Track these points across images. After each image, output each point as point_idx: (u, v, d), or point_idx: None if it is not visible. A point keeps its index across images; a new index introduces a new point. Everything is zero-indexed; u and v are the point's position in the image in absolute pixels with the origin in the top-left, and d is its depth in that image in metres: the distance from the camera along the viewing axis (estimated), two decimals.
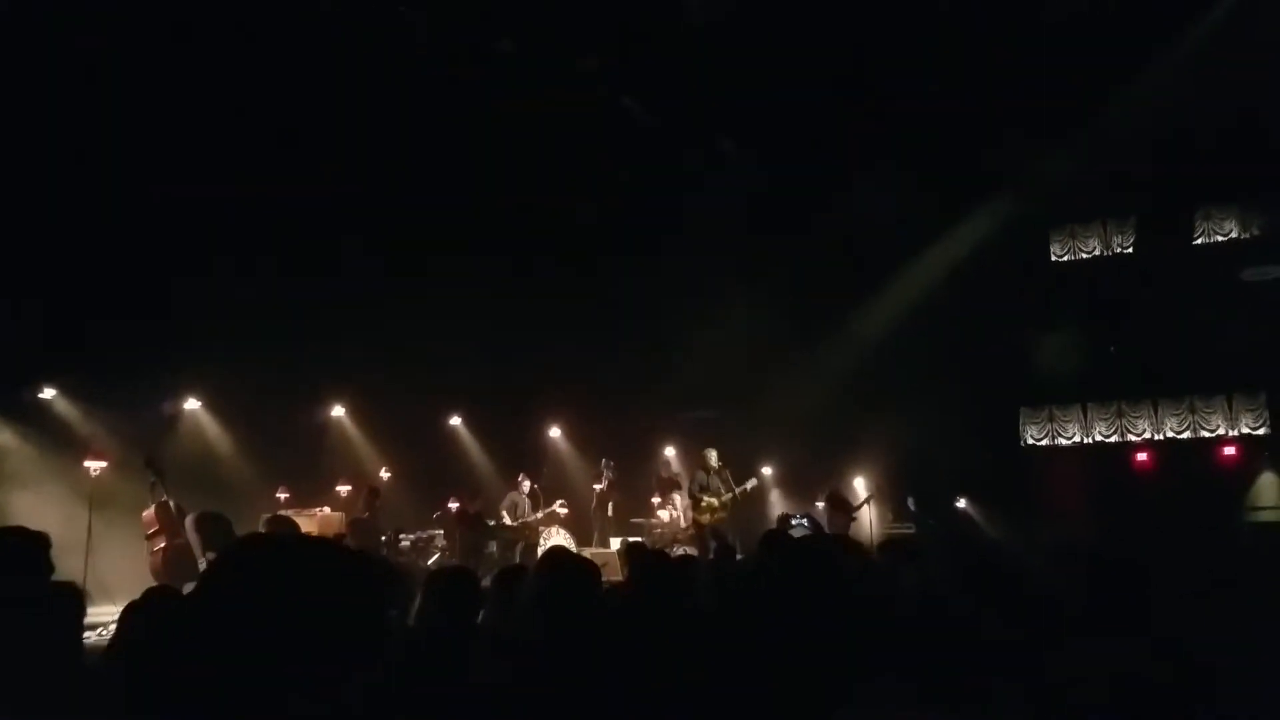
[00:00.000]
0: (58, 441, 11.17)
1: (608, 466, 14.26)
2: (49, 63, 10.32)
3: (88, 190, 11.13)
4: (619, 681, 2.64)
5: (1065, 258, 20.30)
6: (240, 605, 1.84)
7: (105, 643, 2.94)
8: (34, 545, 2.66)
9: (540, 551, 9.65)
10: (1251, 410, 18.33)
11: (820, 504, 15.04)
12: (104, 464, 9.69)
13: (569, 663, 2.69)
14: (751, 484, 13.22)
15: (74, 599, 2.65)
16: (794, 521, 12.54)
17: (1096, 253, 20.03)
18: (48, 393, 11.72)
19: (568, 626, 2.79)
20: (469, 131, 13.63)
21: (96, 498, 9.53)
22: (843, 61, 14.02)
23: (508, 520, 13.11)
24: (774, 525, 13.23)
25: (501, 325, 15.24)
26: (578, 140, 14.33)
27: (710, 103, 14.29)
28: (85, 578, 8.59)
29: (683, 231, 15.66)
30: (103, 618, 5.14)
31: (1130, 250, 19.70)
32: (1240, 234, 18.87)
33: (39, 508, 9.88)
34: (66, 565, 8.32)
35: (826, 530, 13.78)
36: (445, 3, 12.48)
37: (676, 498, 13.77)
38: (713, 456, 13.08)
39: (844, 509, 13.60)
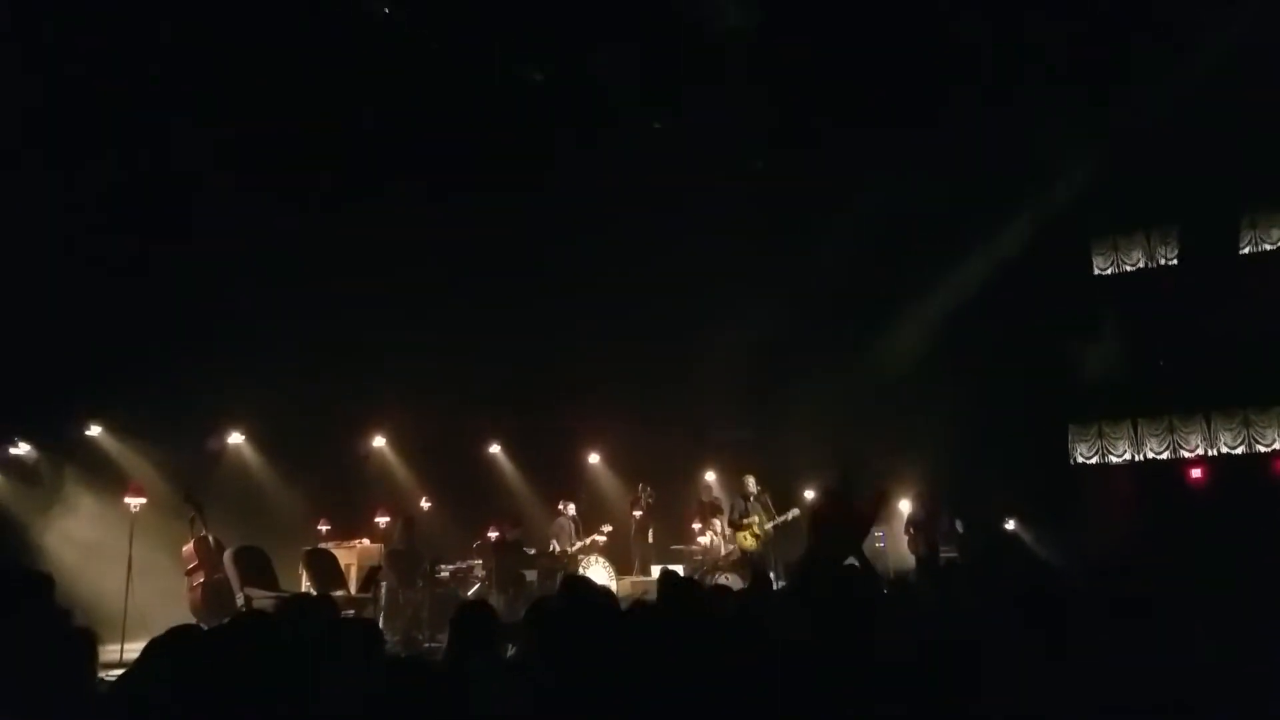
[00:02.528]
0: (102, 477, 11.32)
1: (645, 492, 14.16)
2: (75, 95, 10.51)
3: (132, 227, 11.36)
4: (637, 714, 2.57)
5: (1108, 270, 19.92)
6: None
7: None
8: (35, 587, 2.64)
9: None
10: None
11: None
12: (143, 500, 9.77)
13: (587, 697, 2.62)
14: (793, 514, 13.07)
15: (85, 642, 2.63)
16: None
17: (1140, 265, 19.64)
18: (94, 429, 11.89)
19: (584, 660, 2.73)
20: (519, 163, 13.76)
21: (138, 532, 9.61)
22: (882, 66, 13.93)
23: (556, 547, 13.03)
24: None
25: (537, 350, 15.28)
26: (610, 163, 14.38)
27: (745, 109, 14.19)
28: (125, 612, 8.67)
29: (715, 250, 15.62)
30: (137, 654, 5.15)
31: (1175, 261, 19.28)
32: None
33: (82, 542, 10.01)
34: (106, 601, 8.44)
35: (882, 548, 13.62)
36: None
37: (717, 523, 13.62)
38: (750, 482, 12.97)
39: (923, 530, 13.52)
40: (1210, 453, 18.56)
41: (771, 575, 8.81)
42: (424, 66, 12.79)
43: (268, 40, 11.47)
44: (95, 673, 2.74)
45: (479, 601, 4.33)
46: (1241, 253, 18.65)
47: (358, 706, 2.68)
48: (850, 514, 8.36)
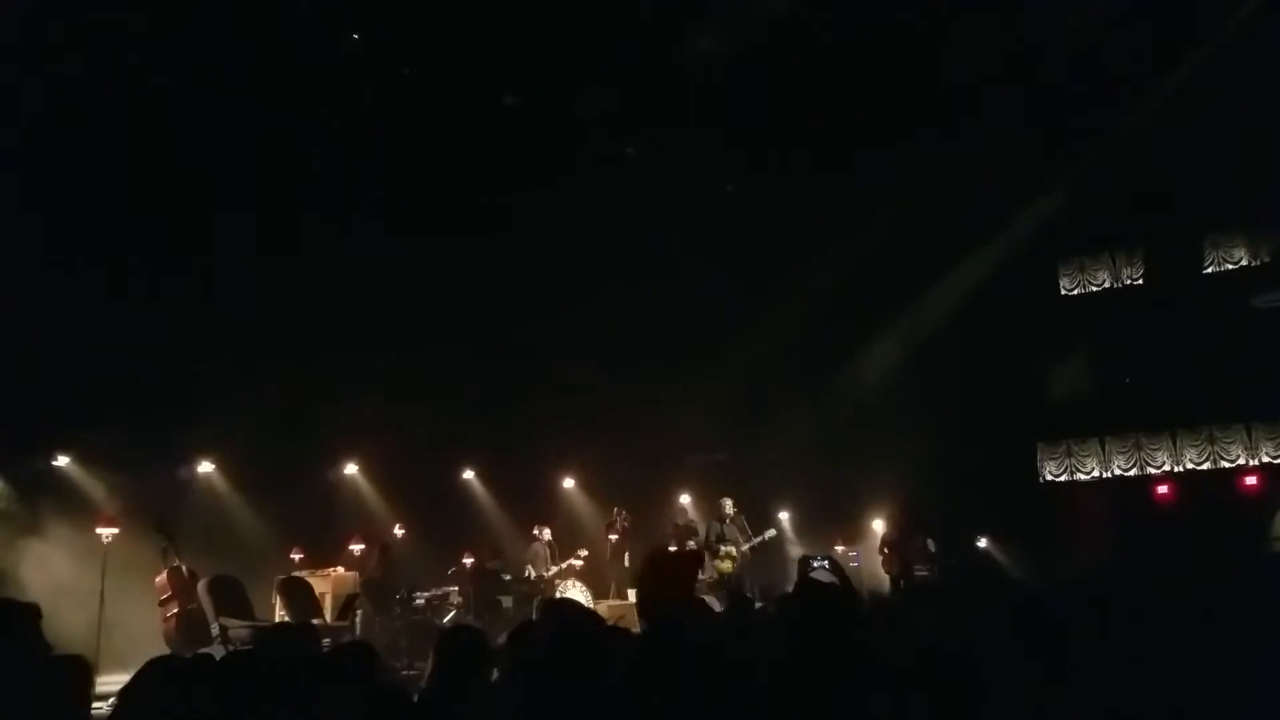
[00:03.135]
0: (71, 508, 11.17)
1: (620, 516, 14.15)
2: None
3: (96, 254, 11.28)
4: None
5: (1075, 291, 20.25)
6: None
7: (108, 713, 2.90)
8: (22, 616, 2.62)
9: None
10: (1272, 439, 18.13)
11: (840, 547, 14.94)
12: (115, 530, 9.66)
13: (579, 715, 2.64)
14: (770, 534, 13.12)
15: (78, 672, 2.62)
16: (815, 564, 12.41)
17: (1106, 285, 19.98)
18: (61, 460, 11.74)
19: (578, 681, 2.75)
20: (494, 188, 13.82)
21: (110, 564, 9.48)
22: (850, 95, 14.13)
23: (532, 572, 12.99)
24: (792, 568, 13.13)
25: (509, 376, 15.29)
26: (586, 192, 14.46)
27: (713, 129, 14.33)
28: (99, 644, 8.54)
29: (691, 275, 15.72)
30: (114, 686, 5.08)
31: (1140, 281, 19.63)
32: (1251, 261, 18.79)
33: (52, 573, 9.85)
34: (79, 633, 8.30)
35: (857, 568, 13.70)
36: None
37: (692, 545, 13.63)
38: (728, 505, 12.99)
39: (896, 550, 13.59)
40: (1177, 469, 18.85)
41: (750, 596, 8.81)
42: (392, 101, 12.89)
43: (249, 73, 11.51)
44: (90, 700, 2.73)
45: (467, 627, 4.31)
46: (1205, 272, 19.03)
47: None
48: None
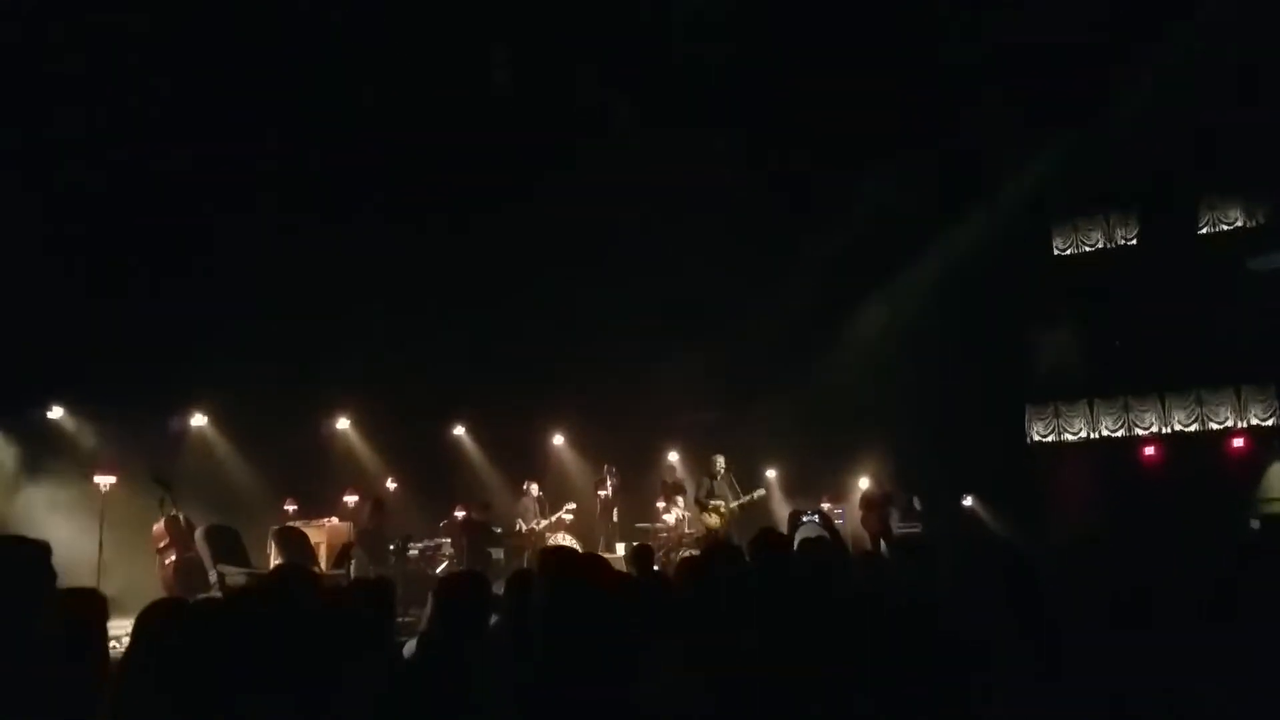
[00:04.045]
0: (66, 459, 11.22)
1: (610, 472, 14.26)
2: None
3: (91, 213, 11.26)
4: (638, 679, 2.64)
5: (1068, 251, 20.21)
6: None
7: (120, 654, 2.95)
8: (35, 552, 2.67)
9: None
10: (1261, 401, 18.24)
11: (826, 504, 15.09)
12: (113, 479, 9.71)
13: (585, 662, 2.68)
14: (759, 494, 13.21)
15: (96, 606, 2.68)
16: (804, 519, 12.52)
17: (1099, 245, 19.95)
18: (56, 411, 11.76)
19: (582, 625, 2.79)
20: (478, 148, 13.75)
21: (107, 512, 9.55)
22: (840, 50, 14.04)
23: (522, 526, 13.12)
24: (782, 526, 13.24)
25: (501, 333, 15.31)
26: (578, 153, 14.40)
27: (707, 97, 14.27)
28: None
29: (680, 232, 15.71)
30: (115, 630, 5.15)
31: (1134, 242, 19.61)
32: (1246, 223, 18.78)
33: (50, 523, 9.92)
34: (78, 578, 8.36)
35: (842, 525, 13.86)
36: None
37: (680, 501, 13.76)
38: (719, 463, 13.06)
39: (878, 508, 13.74)
40: (1164, 431, 18.97)
41: (738, 546, 8.91)
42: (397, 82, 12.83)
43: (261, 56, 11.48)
44: (105, 633, 2.78)
45: (468, 571, 4.38)
46: (1199, 233, 19.01)
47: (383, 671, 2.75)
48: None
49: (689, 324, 16.15)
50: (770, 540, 3.95)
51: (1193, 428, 18.71)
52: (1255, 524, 13.35)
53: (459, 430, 16.23)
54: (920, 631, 3.10)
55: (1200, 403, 18.67)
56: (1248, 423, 18.30)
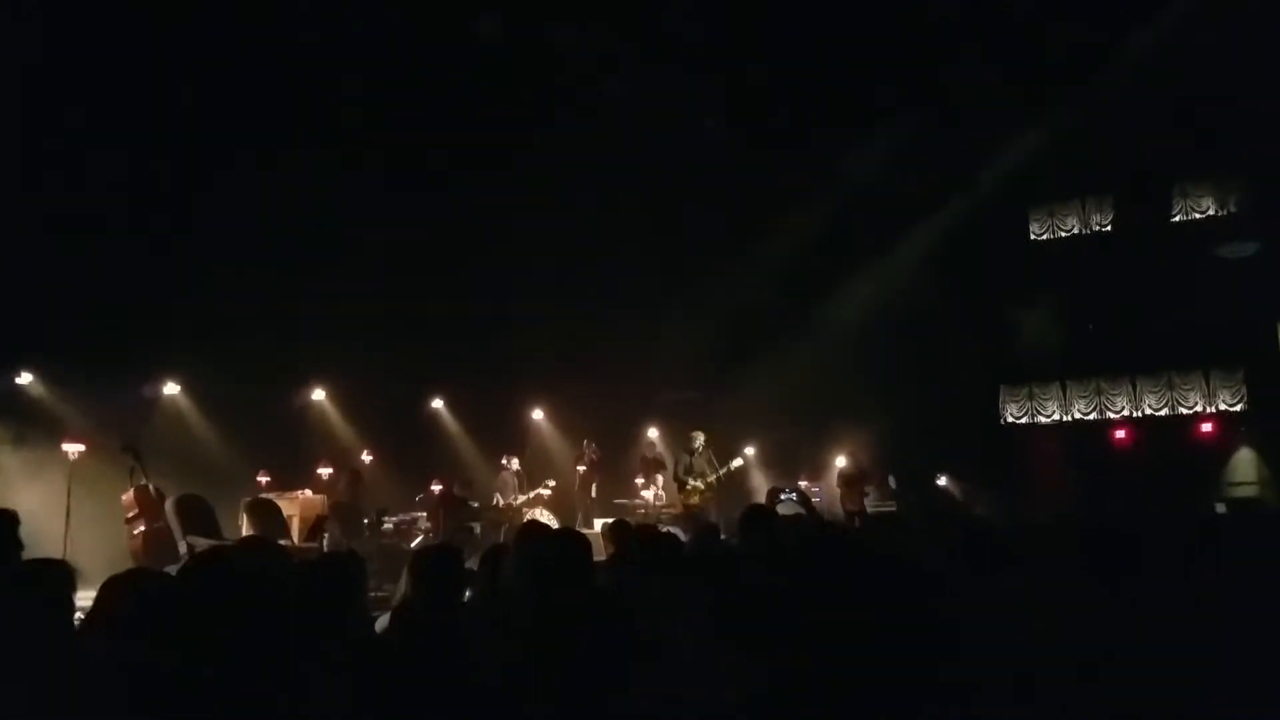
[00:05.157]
0: (35, 426, 11.04)
1: (589, 448, 14.24)
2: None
3: (67, 174, 11.05)
4: (611, 655, 2.62)
5: (1044, 236, 20.41)
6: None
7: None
8: (1, 522, 2.61)
9: None
10: (1229, 386, 18.51)
11: (803, 482, 15.16)
12: (82, 447, 9.57)
13: (560, 636, 2.67)
14: (736, 464, 13.23)
15: (63, 576, 2.62)
16: (783, 496, 12.55)
17: (1075, 231, 20.13)
18: (24, 377, 11.57)
19: (558, 599, 2.78)
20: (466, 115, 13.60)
21: (75, 481, 9.41)
22: (817, 35, 13.99)
23: (500, 500, 13.08)
24: (759, 498, 13.29)
25: (481, 306, 15.21)
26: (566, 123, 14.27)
27: (694, 77, 14.19)
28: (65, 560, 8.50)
29: (660, 211, 15.67)
30: (82, 601, 5.08)
31: (1109, 228, 19.80)
32: (1217, 211, 18.99)
33: (16, 492, 9.78)
34: (45, 548, 8.26)
35: (819, 503, 13.96)
36: None
37: (660, 478, 13.78)
38: (699, 439, 13.06)
39: (856, 485, 13.84)
40: (1135, 414, 19.21)
41: (715, 524, 8.91)
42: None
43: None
44: (73, 605, 2.73)
45: (443, 545, 4.34)
46: (1172, 220, 19.21)
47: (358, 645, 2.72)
48: None
49: (672, 302, 16.14)
50: (757, 513, 3.98)
51: (1163, 411, 18.96)
52: (1220, 508, 13.52)
53: (437, 403, 16.14)
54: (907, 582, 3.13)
55: (1171, 386, 18.93)
56: (1216, 407, 18.55)
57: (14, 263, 10.41)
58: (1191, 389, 18.81)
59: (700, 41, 13.95)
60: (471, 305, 15.18)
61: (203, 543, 8.76)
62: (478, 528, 12.41)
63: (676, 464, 13.21)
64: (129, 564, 8.55)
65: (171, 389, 13.01)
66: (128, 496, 9.51)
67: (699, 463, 12.87)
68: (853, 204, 16.89)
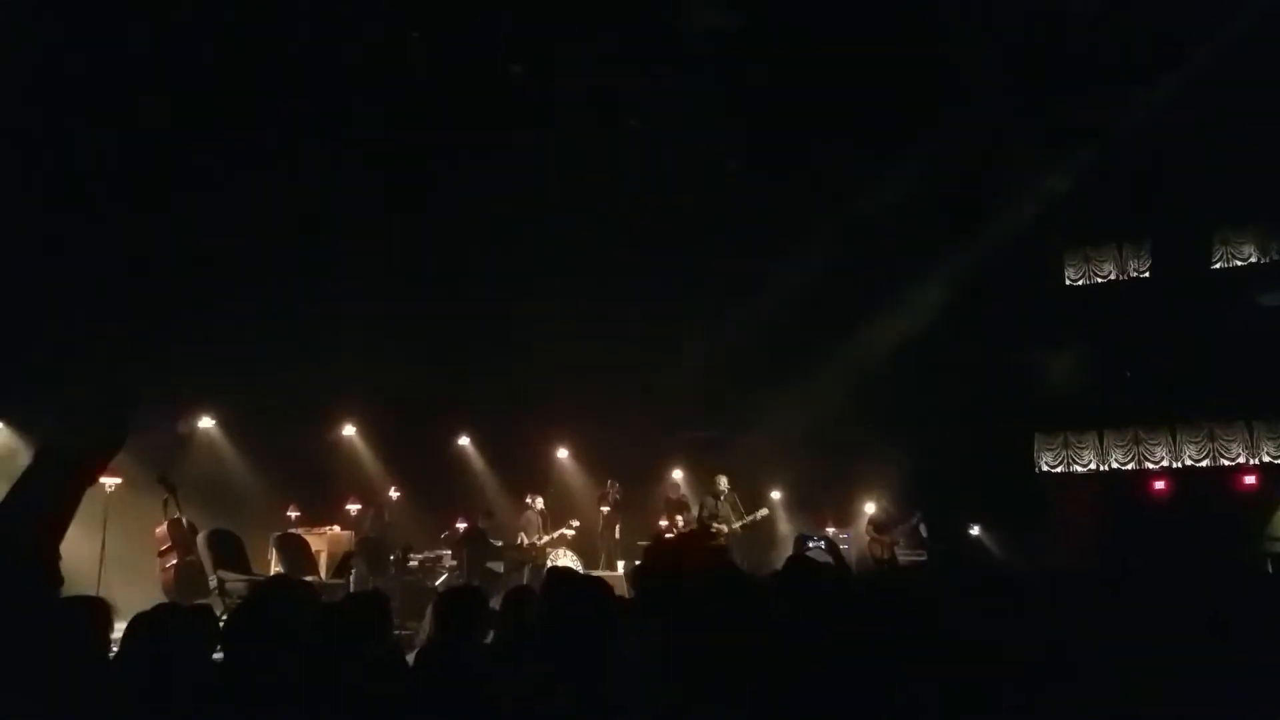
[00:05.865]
0: None
1: (613, 488, 14.22)
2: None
3: (103, 209, 11.25)
4: (634, 696, 2.61)
5: (1080, 281, 20.15)
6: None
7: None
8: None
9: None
10: (1273, 438, 18.08)
11: (831, 529, 15.02)
12: (118, 480, 9.68)
13: (582, 677, 2.66)
14: (762, 514, 13.17)
15: (98, 613, 2.65)
16: (810, 544, 12.45)
17: (1112, 276, 19.88)
18: None
19: (580, 643, 2.77)
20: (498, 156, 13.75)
21: (111, 514, 9.51)
22: (848, 72, 14.00)
23: (524, 539, 13.06)
24: (784, 548, 13.18)
25: (508, 346, 15.29)
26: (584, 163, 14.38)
27: (710, 115, 14.24)
28: (97, 593, 8.58)
29: (688, 253, 15.72)
30: (116, 633, 5.13)
31: (1147, 274, 19.54)
32: (1260, 258, 18.70)
33: None
34: (80, 582, 8.35)
35: (847, 550, 13.82)
36: None
37: (681, 520, 13.71)
38: (723, 483, 13.02)
39: (885, 532, 13.72)
40: (1175, 465, 18.81)
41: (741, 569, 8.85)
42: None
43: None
44: (109, 643, 2.76)
45: (467, 587, 4.36)
46: (1213, 268, 18.93)
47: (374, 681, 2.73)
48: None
49: (696, 342, 16.15)
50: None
51: (1204, 462, 18.55)
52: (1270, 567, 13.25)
53: (464, 441, 16.21)
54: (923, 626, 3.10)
55: (1212, 438, 18.53)
56: (1259, 459, 18.14)
57: (51, 297, 10.59)
58: (1234, 440, 18.41)
59: (725, 73, 13.94)
60: (499, 344, 15.27)
61: (232, 577, 8.83)
62: (500, 566, 12.39)
63: (701, 508, 13.16)
64: (161, 598, 8.64)
65: (206, 423, 13.17)
66: (161, 530, 9.61)
67: (724, 508, 12.82)
68: (885, 241, 16.81)
